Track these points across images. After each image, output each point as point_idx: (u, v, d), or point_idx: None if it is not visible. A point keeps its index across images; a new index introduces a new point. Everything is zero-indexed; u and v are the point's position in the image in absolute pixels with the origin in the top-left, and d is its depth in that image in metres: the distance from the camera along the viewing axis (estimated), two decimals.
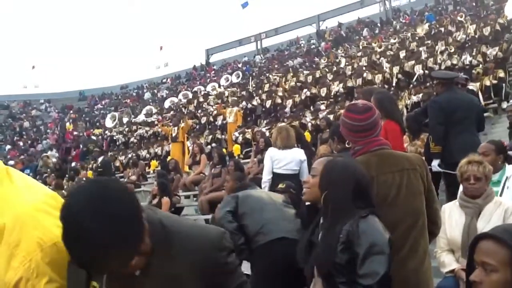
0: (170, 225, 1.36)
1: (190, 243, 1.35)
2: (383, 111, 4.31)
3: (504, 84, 10.17)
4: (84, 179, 11.86)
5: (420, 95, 10.21)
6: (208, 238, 1.39)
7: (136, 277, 1.32)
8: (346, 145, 2.39)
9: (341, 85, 13.59)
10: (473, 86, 9.53)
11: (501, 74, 10.27)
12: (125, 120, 20.34)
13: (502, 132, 8.14)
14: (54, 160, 16.24)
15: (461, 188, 3.27)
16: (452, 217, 3.06)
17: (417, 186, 2.25)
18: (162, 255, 1.31)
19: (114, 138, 18.31)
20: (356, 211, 1.99)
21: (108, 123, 20.80)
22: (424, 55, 13.23)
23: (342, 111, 11.07)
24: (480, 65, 11.12)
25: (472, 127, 4.96)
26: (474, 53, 11.97)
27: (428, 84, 11.25)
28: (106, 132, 19.61)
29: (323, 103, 13.00)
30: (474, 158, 3.10)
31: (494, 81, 10.09)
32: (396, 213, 2.17)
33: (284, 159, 5.39)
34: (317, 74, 16.33)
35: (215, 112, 15.72)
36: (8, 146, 24.45)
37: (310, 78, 16.17)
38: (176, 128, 12.11)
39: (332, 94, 13.51)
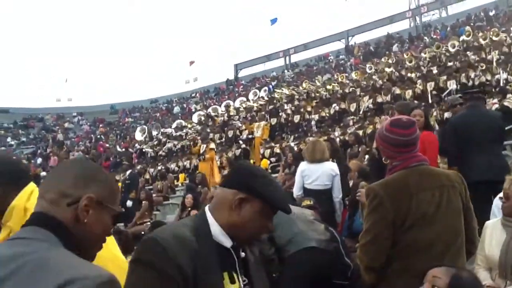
0: None
1: None
2: (427, 122, 4.30)
3: None
4: None
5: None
6: None
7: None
8: (383, 161, 2.34)
9: (370, 100, 13.42)
10: (508, 103, 9.27)
11: None
12: (154, 133, 20.60)
13: None
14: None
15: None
16: (493, 234, 2.94)
17: (456, 204, 2.19)
18: None
19: (144, 150, 18.56)
20: None
21: (138, 136, 21.12)
22: None
23: (371, 126, 10.88)
24: None
25: (494, 147, 4.74)
26: (509, 69, 11.68)
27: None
28: (136, 145, 19.90)
29: (352, 119, 12.87)
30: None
31: None
32: (435, 231, 2.10)
33: (313, 174, 5.26)
34: (347, 90, 16.16)
35: (243, 127, 15.73)
36: (39, 159, 24.98)
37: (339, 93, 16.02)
38: (204, 146, 11.97)
39: (362, 110, 13.32)
